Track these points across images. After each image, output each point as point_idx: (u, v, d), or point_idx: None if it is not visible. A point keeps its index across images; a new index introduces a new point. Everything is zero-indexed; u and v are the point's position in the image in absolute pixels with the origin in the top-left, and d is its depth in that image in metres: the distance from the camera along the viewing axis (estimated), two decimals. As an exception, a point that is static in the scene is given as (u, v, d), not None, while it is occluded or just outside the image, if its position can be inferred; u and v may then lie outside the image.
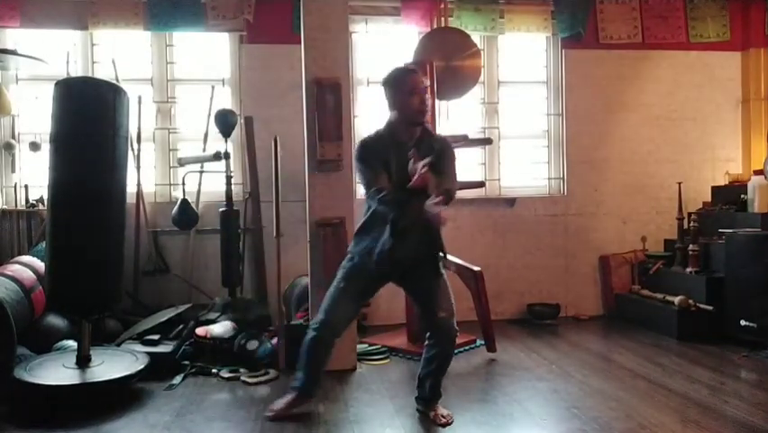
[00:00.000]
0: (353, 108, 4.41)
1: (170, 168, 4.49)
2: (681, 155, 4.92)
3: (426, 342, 2.64)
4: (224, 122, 4.01)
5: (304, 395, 2.68)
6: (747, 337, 3.70)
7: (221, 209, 4.06)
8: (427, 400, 2.66)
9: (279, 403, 2.68)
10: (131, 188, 3.51)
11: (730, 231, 3.95)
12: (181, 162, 4.10)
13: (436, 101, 4.01)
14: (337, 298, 2.57)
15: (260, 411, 2.76)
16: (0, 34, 4.34)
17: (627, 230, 4.88)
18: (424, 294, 2.61)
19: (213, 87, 4.43)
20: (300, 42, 3.44)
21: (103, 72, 4.32)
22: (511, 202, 4.75)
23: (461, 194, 4.41)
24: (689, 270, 4.20)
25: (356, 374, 3.34)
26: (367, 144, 2.51)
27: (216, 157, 3.97)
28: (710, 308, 3.91)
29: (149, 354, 3.16)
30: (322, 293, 3.35)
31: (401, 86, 2.45)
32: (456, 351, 3.70)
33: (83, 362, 2.93)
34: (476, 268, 3.70)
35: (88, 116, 2.88)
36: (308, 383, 2.65)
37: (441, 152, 2.51)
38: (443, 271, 2.63)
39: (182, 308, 3.80)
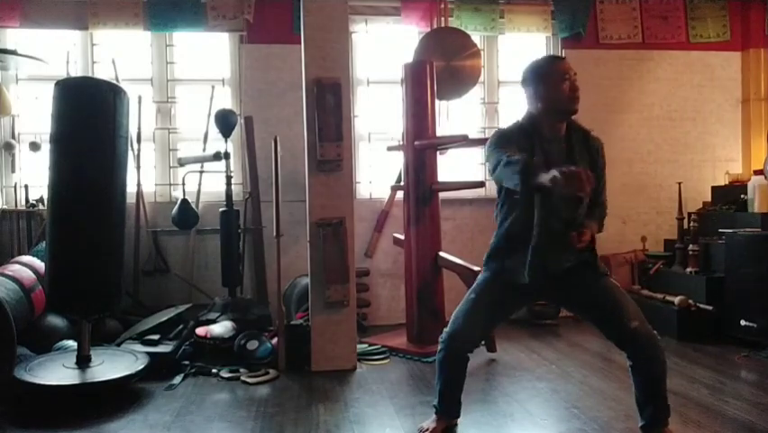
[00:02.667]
0: (353, 108, 4.42)
1: (170, 168, 4.50)
2: (681, 155, 4.92)
3: (629, 364, 2.20)
4: (224, 122, 4.01)
5: (442, 416, 2.43)
6: (747, 337, 3.70)
7: (221, 209, 4.06)
8: (655, 425, 2.22)
9: (427, 423, 2.46)
10: (131, 188, 3.51)
11: (730, 231, 3.95)
12: (181, 162, 4.10)
13: (436, 101, 4.01)
14: (465, 309, 2.31)
15: (260, 411, 2.76)
16: (0, 34, 4.34)
17: (627, 230, 4.87)
18: (599, 306, 2.22)
19: (213, 87, 4.43)
20: (300, 42, 3.44)
21: (103, 72, 4.33)
22: (511, 202, 4.74)
23: (461, 194, 4.44)
24: (689, 270, 4.20)
25: (356, 374, 3.34)
26: (505, 134, 2.20)
27: (216, 157, 3.97)
28: (710, 308, 3.91)
29: (149, 354, 3.16)
30: (322, 293, 3.39)
31: (550, 73, 2.17)
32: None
33: (83, 362, 2.93)
34: (476, 268, 3.69)
35: (88, 116, 2.88)
36: (443, 403, 2.41)
37: (597, 154, 2.23)
38: (605, 269, 2.28)
39: (182, 308, 3.80)
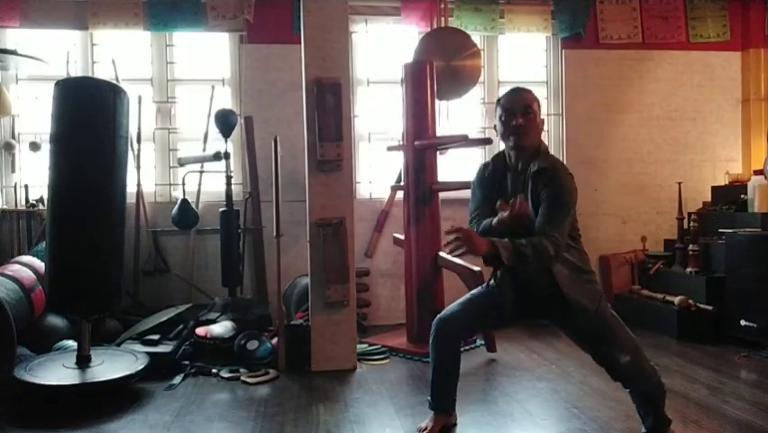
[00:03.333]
0: (353, 108, 4.42)
1: (170, 168, 4.50)
2: (681, 155, 4.92)
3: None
4: (224, 122, 4.01)
5: (437, 412, 2.44)
6: (747, 337, 3.70)
7: (221, 209, 4.06)
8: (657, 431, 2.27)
9: (425, 423, 2.46)
10: (131, 188, 3.51)
11: (730, 231, 3.95)
12: (181, 162, 4.10)
13: (436, 101, 4.01)
14: (462, 300, 2.40)
15: (260, 411, 2.76)
16: (0, 34, 4.34)
17: (627, 230, 4.87)
18: (588, 339, 2.25)
19: (213, 87, 4.43)
20: (300, 42, 3.44)
21: (103, 72, 4.33)
22: (511, 202, 4.74)
23: (460, 194, 4.43)
24: (689, 270, 4.20)
25: (356, 374, 3.34)
26: (478, 172, 2.40)
27: (216, 157, 3.97)
28: (710, 308, 3.91)
29: (149, 354, 3.16)
30: (322, 293, 3.38)
31: (499, 107, 2.29)
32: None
33: (83, 362, 2.93)
34: (476, 268, 3.69)
35: (88, 116, 2.88)
36: (435, 395, 2.42)
37: (541, 185, 2.15)
38: (601, 302, 2.21)
39: (182, 308, 3.80)
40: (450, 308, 2.40)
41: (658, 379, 2.23)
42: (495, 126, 2.35)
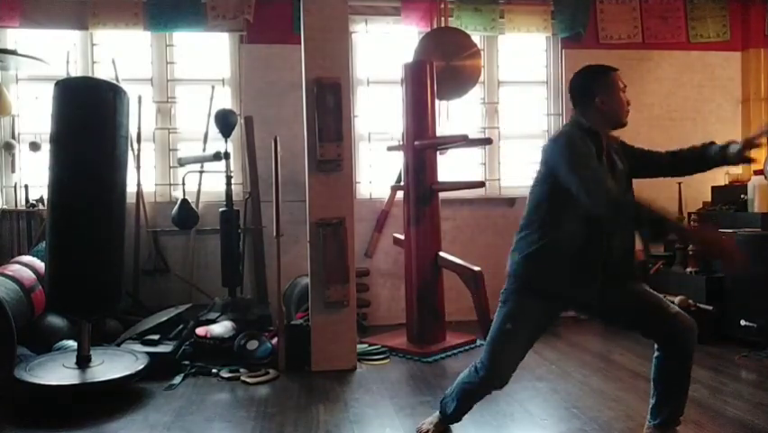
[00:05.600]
0: (353, 108, 4.42)
1: (170, 168, 4.49)
2: (681, 155, 4.91)
3: (657, 354, 2.15)
4: (224, 122, 4.01)
5: (448, 422, 2.40)
6: (747, 337, 3.70)
7: (221, 209, 4.06)
8: (671, 423, 2.17)
9: (426, 423, 2.43)
10: (131, 188, 3.51)
11: (730, 231, 3.95)
12: (181, 162, 4.10)
13: (436, 101, 4.02)
14: (506, 344, 2.16)
15: (260, 411, 2.76)
16: (0, 34, 4.34)
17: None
18: (641, 305, 2.14)
19: (213, 87, 4.43)
20: (300, 42, 3.44)
21: (103, 72, 4.33)
22: (511, 202, 4.75)
23: (461, 194, 4.44)
24: (689, 270, 4.19)
25: (356, 374, 3.34)
26: (579, 139, 2.06)
27: (216, 157, 3.97)
28: (710, 308, 3.91)
29: (149, 354, 3.16)
30: (322, 293, 3.38)
31: (610, 83, 2.15)
32: (456, 351, 3.73)
33: (83, 362, 2.93)
34: (476, 268, 3.70)
35: (88, 116, 2.88)
36: (456, 414, 2.35)
37: (633, 156, 2.21)
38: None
39: (182, 308, 3.80)
40: (499, 359, 2.18)
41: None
42: (599, 98, 2.12)
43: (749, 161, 2.11)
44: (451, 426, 2.44)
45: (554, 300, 2.15)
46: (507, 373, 2.21)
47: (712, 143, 2.20)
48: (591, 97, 2.15)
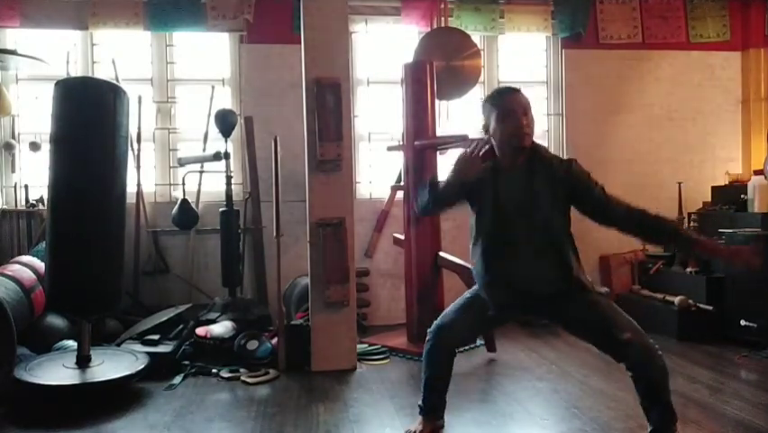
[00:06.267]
0: (353, 108, 4.42)
1: (170, 168, 4.49)
2: (681, 155, 4.91)
3: (629, 373, 2.13)
4: (224, 122, 4.01)
5: (427, 416, 2.41)
6: (747, 337, 3.70)
7: (221, 209, 4.06)
8: (662, 430, 2.15)
9: (411, 429, 2.45)
10: (131, 188, 3.51)
11: (730, 231, 3.95)
12: (181, 162, 4.10)
13: (436, 101, 4.02)
14: (458, 306, 2.35)
15: (260, 411, 2.76)
16: (0, 34, 4.34)
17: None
18: (587, 322, 2.17)
19: (213, 87, 4.43)
20: (300, 42, 3.44)
21: (103, 72, 4.33)
22: (511, 202, 4.74)
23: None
24: (689, 270, 4.20)
25: (356, 374, 3.34)
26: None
27: (216, 157, 3.97)
28: (710, 308, 3.91)
29: (149, 354, 3.16)
30: (322, 293, 3.39)
31: (499, 107, 2.22)
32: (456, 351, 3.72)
33: (83, 362, 2.93)
34: (476, 268, 3.70)
35: (88, 116, 2.88)
36: (427, 400, 2.40)
37: (574, 178, 2.23)
38: (593, 286, 2.24)
39: (182, 308, 3.80)
40: (447, 315, 2.35)
41: (664, 364, 2.10)
42: (484, 126, 2.28)
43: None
44: (438, 423, 2.42)
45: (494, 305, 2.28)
46: (452, 330, 2.32)
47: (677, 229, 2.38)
48: (486, 121, 2.29)
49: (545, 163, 2.22)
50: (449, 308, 2.38)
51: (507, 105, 2.20)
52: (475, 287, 2.38)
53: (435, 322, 2.36)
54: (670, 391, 2.12)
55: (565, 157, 2.37)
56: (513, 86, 2.33)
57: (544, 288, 2.18)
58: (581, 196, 2.22)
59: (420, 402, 2.42)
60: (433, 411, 2.41)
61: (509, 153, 2.23)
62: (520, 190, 2.20)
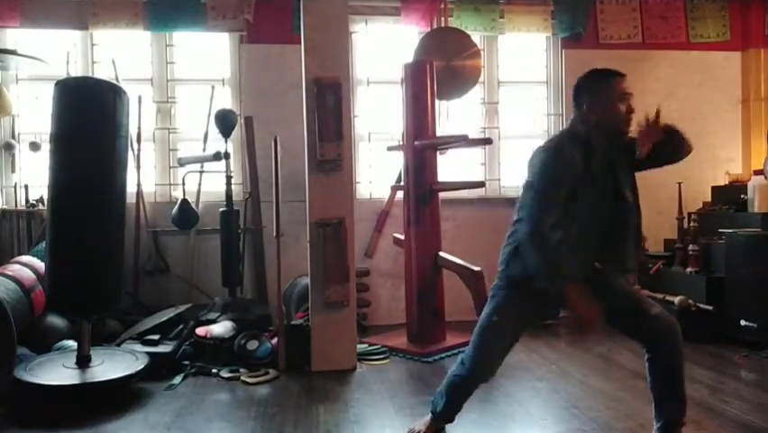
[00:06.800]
0: (353, 108, 4.41)
1: (170, 168, 4.49)
2: (681, 155, 4.91)
3: (648, 357, 2.13)
4: (224, 122, 4.01)
5: (439, 422, 2.39)
6: (747, 337, 3.70)
7: (221, 209, 4.06)
8: (674, 424, 2.12)
9: (419, 425, 2.42)
10: (131, 188, 3.51)
11: (730, 231, 3.95)
12: (181, 162, 4.10)
13: (436, 101, 4.02)
14: (492, 336, 2.20)
15: (260, 411, 2.76)
16: (0, 34, 4.34)
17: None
18: (622, 302, 2.13)
19: (213, 87, 4.43)
20: (300, 42, 3.44)
21: (103, 72, 4.32)
22: (511, 202, 4.68)
23: (461, 194, 4.44)
24: (689, 270, 4.19)
25: (356, 374, 3.34)
26: (563, 154, 2.06)
27: (216, 157, 3.97)
28: (710, 308, 3.91)
29: (149, 354, 3.16)
30: (322, 293, 3.38)
31: (609, 90, 2.13)
32: (456, 351, 3.72)
33: (83, 362, 2.93)
34: (476, 268, 3.70)
35: (88, 116, 2.88)
36: (446, 412, 2.35)
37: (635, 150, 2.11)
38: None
39: (182, 308, 3.80)
40: (484, 350, 2.21)
41: (683, 350, 2.09)
42: (584, 105, 2.12)
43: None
44: (445, 427, 2.42)
45: (538, 296, 2.10)
46: (493, 366, 2.25)
47: None
48: (580, 103, 2.15)
49: (622, 148, 2.16)
50: (483, 340, 2.21)
51: (624, 88, 2.13)
52: (502, 301, 2.20)
53: (471, 356, 2.23)
54: (684, 379, 2.11)
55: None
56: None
57: (631, 264, 2.16)
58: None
59: (437, 410, 2.36)
60: (446, 419, 2.40)
61: (605, 136, 2.12)
62: (610, 171, 2.12)
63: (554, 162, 2.05)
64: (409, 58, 4.26)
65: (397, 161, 4.28)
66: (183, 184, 4.09)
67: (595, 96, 2.11)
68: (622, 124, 2.11)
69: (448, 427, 2.46)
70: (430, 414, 2.41)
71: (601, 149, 2.11)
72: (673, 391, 2.11)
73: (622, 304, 2.13)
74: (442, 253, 3.86)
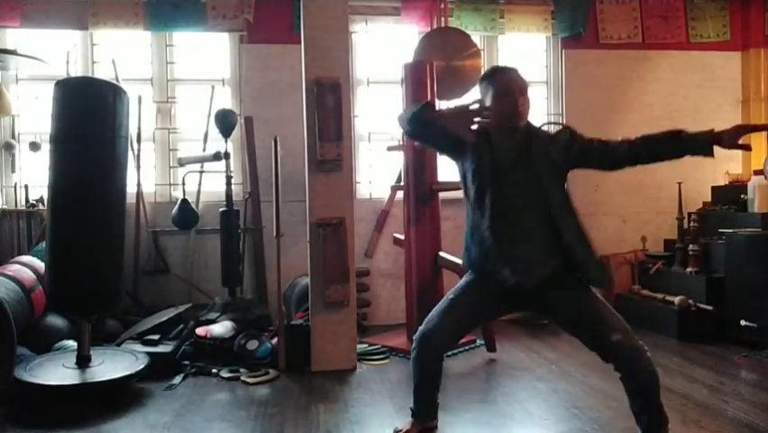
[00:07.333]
0: (353, 108, 4.42)
1: (170, 168, 4.50)
2: (680, 155, 4.91)
3: (617, 374, 2.11)
4: (224, 122, 4.01)
5: (417, 419, 2.37)
6: (747, 337, 3.70)
7: (221, 209, 4.06)
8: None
9: (399, 427, 2.42)
10: (131, 188, 3.51)
11: (730, 231, 3.95)
12: (181, 162, 4.10)
13: (436, 101, 4.01)
14: (441, 309, 2.25)
15: (260, 411, 2.76)
16: (0, 34, 4.34)
17: (627, 230, 4.87)
18: (579, 318, 2.13)
19: (213, 87, 4.43)
20: (300, 42, 3.44)
21: (103, 72, 4.33)
22: (511, 202, 4.74)
23: (460, 194, 4.41)
24: (689, 270, 4.20)
25: (356, 374, 3.34)
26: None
27: (216, 157, 3.97)
28: (710, 308, 3.91)
29: (149, 354, 3.16)
30: (322, 293, 3.38)
31: (493, 85, 2.20)
32: (456, 351, 3.73)
33: (83, 362, 2.93)
34: (476, 268, 3.69)
35: (88, 116, 2.88)
36: (418, 404, 2.35)
37: (573, 142, 2.21)
38: (600, 273, 2.18)
39: (182, 308, 3.80)
40: (432, 319, 2.25)
41: (653, 369, 2.06)
42: (480, 104, 2.18)
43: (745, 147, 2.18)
44: (430, 424, 2.39)
45: (490, 284, 2.19)
46: (437, 336, 2.24)
47: (681, 132, 2.36)
48: (482, 98, 2.25)
49: (541, 141, 2.21)
50: (433, 313, 2.28)
51: (504, 83, 2.19)
52: (459, 284, 2.31)
53: (420, 328, 2.28)
54: (659, 396, 2.08)
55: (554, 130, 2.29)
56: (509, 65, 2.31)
57: (544, 268, 2.11)
58: (585, 153, 2.20)
59: (411, 406, 2.38)
60: (424, 415, 2.38)
61: (504, 132, 2.21)
62: (515, 167, 2.16)
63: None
64: (409, 58, 4.25)
65: (397, 161, 4.28)
66: (183, 184, 4.09)
67: (483, 93, 2.23)
68: (510, 119, 2.18)
69: (444, 427, 2.46)
70: (410, 415, 2.40)
71: (506, 141, 2.20)
72: (646, 406, 2.09)
73: (573, 324, 2.17)
74: (442, 253, 3.86)
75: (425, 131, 2.28)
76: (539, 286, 2.12)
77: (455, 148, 2.27)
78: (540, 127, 2.30)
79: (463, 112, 2.13)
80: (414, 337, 2.30)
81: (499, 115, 2.17)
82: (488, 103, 2.20)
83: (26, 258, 3.61)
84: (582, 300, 2.13)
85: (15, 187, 4.28)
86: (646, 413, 2.09)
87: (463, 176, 2.29)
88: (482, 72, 2.31)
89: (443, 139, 2.25)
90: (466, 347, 3.82)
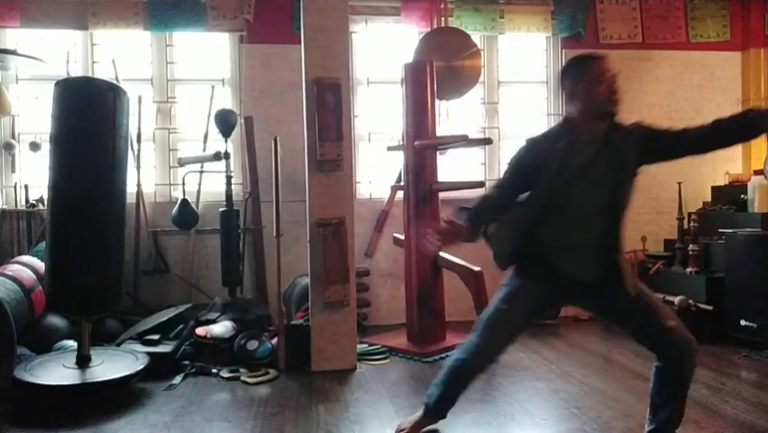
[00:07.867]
0: (353, 108, 4.42)
1: (170, 168, 4.49)
2: (680, 155, 4.91)
3: (656, 364, 2.11)
4: (224, 122, 4.01)
5: (431, 415, 2.39)
6: (747, 337, 3.70)
7: (221, 209, 4.06)
8: (667, 430, 2.14)
9: (406, 422, 2.43)
10: (131, 188, 3.51)
11: (730, 231, 3.95)
12: (181, 162, 4.10)
13: (436, 101, 4.02)
14: (496, 322, 2.20)
15: (260, 411, 2.76)
16: (0, 34, 4.34)
17: (627, 230, 4.84)
18: (635, 308, 2.11)
19: (213, 87, 4.43)
20: (300, 42, 3.44)
21: (103, 72, 4.32)
22: (511, 202, 4.74)
23: (460, 194, 4.43)
24: (689, 270, 4.19)
25: (356, 374, 3.34)
26: (523, 149, 2.17)
27: (216, 157, 3.97)
28: (710, 308, 3.91)
29: (149, 354, 3.16)
30: (322, 293, 3.38)
31: (586, 73, 2.09)
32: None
33: (83, 362, 2.93)
34: (476, 268, 3.70)
35: (88, 116, 2.88)
36: (440, 404, 2.36)
37: (645, 136, 2.17)
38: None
39: (182, 308, 3.80)
40: (488, 335, 2.20)
41: (696, 361, 2.07)
42: (567, 91, 2.12)
43: None
44: (432, 425, 2.41)
45: (546, 286, 2.16)
46: (495, 352, 2.26)
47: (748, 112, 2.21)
48: (564, 88, 2.17)
49: (623, 134, 2.13)
50: (488, 325, 2.21)
51: (603, 68, 2.10)
52: (507, 292, 2.22)
53: (473, 341, 2.22)
54: (689, 389, 2.10)
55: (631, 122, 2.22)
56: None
57: (606, 262, 2.11)
58: (657, 142, 2.19)
59: (430, 402, 2.37)
60: (439, 413, 2.40)
61: (592, 121, 2.10)
62: (594, 160, 2.08)
63: (517, 152, 2.19)
64: (409, 58, 4.26)
65: (397, 161, 4.27)
66: (183, 184, 4.09)
67: (574, 81, 2.12)
68: (606, 106, 2.07)
69: (444, 427, 2.46)
70: (423, 408, 2.41)
71: (589, 135, 2.10)
72: (673, 405, 2.10)
73: (624, 316, 2.16)
74: (442, 253, 3.86)
75: (490, 215, 2.22)
76: (598, 279, 2.11)
77: (530, 182, 2.16)
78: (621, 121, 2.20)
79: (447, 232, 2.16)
80: (465, 349, 2.26)
81: (592, 104, 2.07)
82: (580, 88, 2.09)
83: (26, 258, 3.61)
84: (634, 294, 2.12)
85: (15, 187, 4.28)
86: (672, 404, 2.09)
87: (538, 180, 2.14)
88: (566, 62, 2.22)
89: (511, 199, 2.21)
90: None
